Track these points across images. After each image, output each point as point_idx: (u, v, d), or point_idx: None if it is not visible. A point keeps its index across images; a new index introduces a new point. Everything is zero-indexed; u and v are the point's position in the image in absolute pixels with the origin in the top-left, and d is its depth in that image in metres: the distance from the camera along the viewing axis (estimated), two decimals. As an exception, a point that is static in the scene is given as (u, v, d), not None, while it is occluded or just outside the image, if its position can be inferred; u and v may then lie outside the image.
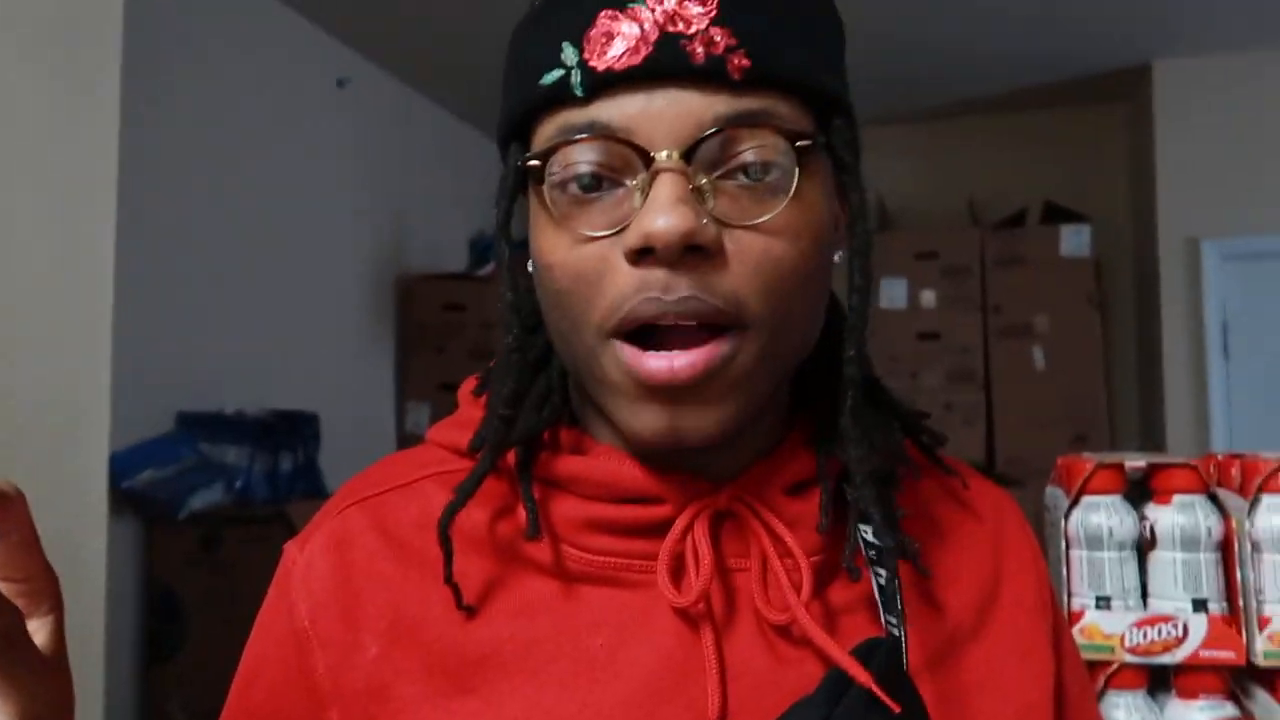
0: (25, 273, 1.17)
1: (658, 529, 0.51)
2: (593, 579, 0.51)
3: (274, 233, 2.93)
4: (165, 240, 2.43)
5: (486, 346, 3.49)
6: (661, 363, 0.45)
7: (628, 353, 0.46)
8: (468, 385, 0.58)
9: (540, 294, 0.50)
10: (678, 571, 0.50)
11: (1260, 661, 0.90)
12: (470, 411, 0.56)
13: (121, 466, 2.21)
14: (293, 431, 2.74)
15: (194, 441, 2.45)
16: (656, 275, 0.45)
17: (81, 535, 1.20)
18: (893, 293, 3.74)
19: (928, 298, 3.72)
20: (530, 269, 0.51)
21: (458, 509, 0.50)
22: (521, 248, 0.52)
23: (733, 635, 0.50)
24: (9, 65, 1.17)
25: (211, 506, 2.41)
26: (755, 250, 0.46)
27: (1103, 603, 0.95)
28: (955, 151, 4.19)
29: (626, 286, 0.45)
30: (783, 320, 0.47)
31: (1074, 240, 3.63)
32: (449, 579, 0.49)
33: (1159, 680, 0.96)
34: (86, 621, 1.18)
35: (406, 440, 3.48)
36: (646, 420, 0.47)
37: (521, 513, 0.51)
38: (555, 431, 0.53)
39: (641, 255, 0.45)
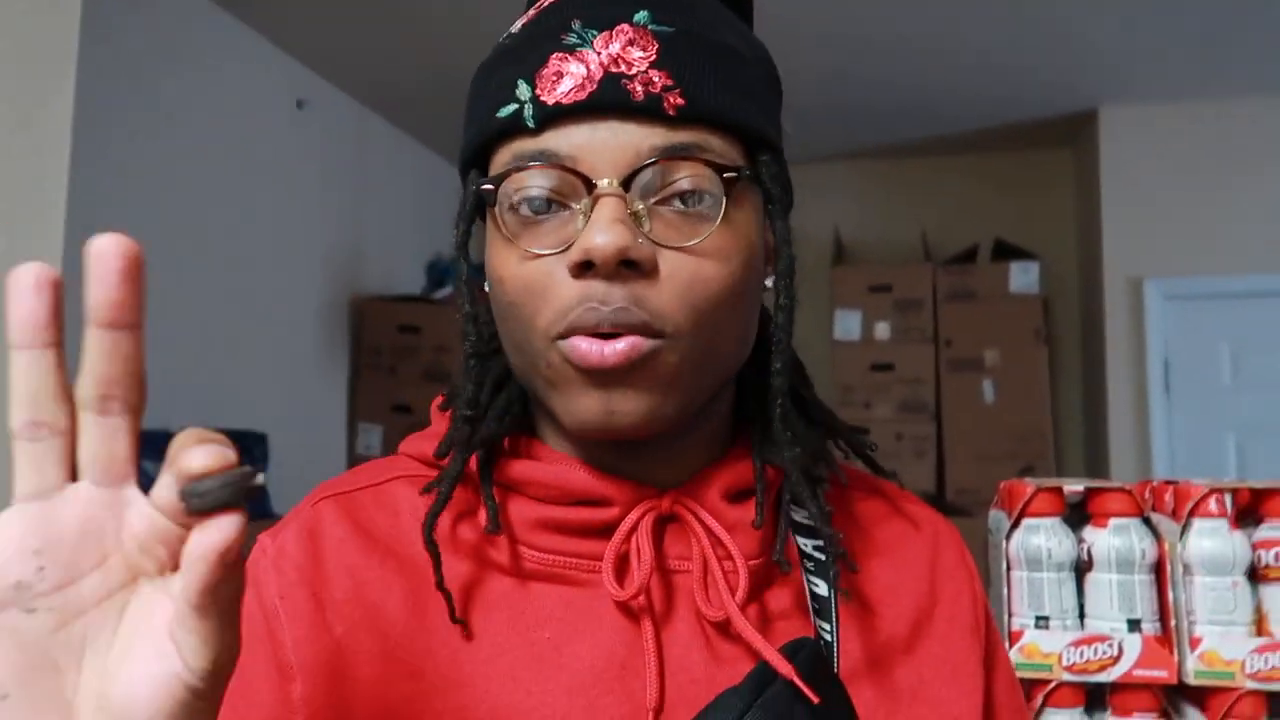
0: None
1: (604, 530, 0.54)
2: (544, 577, 0.54)
3: (227, 252, 2.90)
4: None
5: (440, 368, 3.48)
6: (594, 346, 0.49)
7: (567, 345, 0.50)
8: (436, 401, 0.61)
9: (494, 307, 0.54)
10: (622, 571, 0.53)
11: (1191, 680, 0.93)
12: (438, 425, 0.59)
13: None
14: (241, 451, 2.68)
15: (140, 459, 2.40)
16: (596, 287, 0.49)
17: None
18: (847, 324, 3.79)
19: (881, 329, 3.78)
20: (487, 288, 0.55)
21: (438, 512, 0.53)
22: (479, 270, 0.56)
23: (672, 632, 0.53)
24: (-41, 69, 1.16)
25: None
26: (686, 270, 0.50)
27: (1041, 622, 0.97)
28: (910, 189, 4.28)
29: (570, 298, 0.49)
30: (709, 334, 0.51)
31: (1023, 277, 3.71)
32: (440, 584, 0.52)
33: (1095, 698, 0.98)
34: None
35: (357, 461, 3.44)
36: (583, 405, 0.50)
37: (481, 515, 0.55)
38: (515, 440, 0.57)
39: (583, 269, 0.49)
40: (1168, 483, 1.03)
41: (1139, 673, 0.93)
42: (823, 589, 0.55)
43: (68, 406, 0.33)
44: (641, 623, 0.53)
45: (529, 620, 0.53)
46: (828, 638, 0.54)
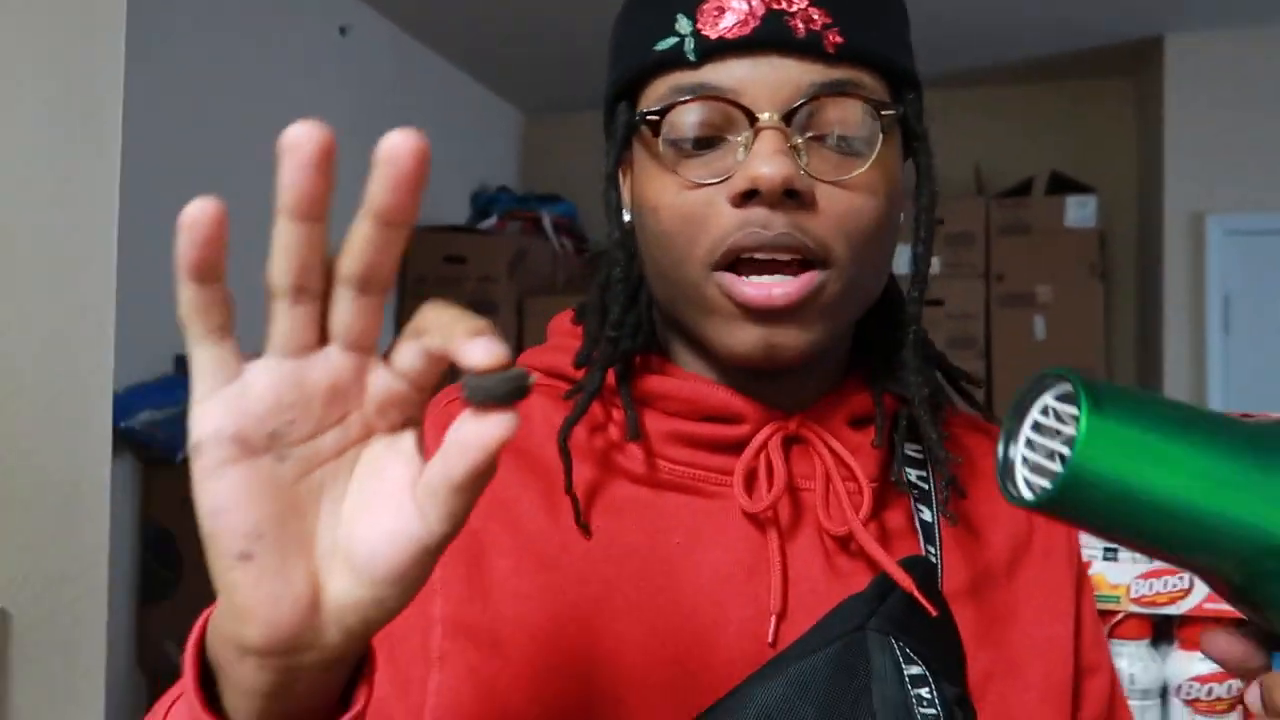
0: (27, 211, 1.15)
1: (734, 446, 0.57)
2: (674, 487, 0.57)
3: (268, 181, 2.89)
4: (168, 182, 2.41)
5: (485, 298, 3.48)
6: (760, 290, 0.51)
7: (729, 279, 0.52)
8: (563, 317, 0.64)
9: (643, 235, 0.57)
10: (749, 485, 0.56)
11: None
12: (563, 341, 0.62)
13: (120, 407, 2.19)
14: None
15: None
16: (757, 213, 0.51)
17: (83, 474, 1.20)
18: (897, 259, 3.73)
19: (933, 264, 3.70)
20: (626, 218, 0.58)
21: (576, 419, 0.56)
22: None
23: (795, 544, 0.56)
24: (14, -13, 1.15)
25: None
26: (842, 203, 0.52)
27: (1110, 554, 0.96)
28: (963, 120, 4.15)
29: (729, 224, 0.51)
30: (862, 263, 0.53)
31: (1079, 211, 3.62)
32: (569, 488, 0.55)
33: (1162, 631, 0.96)
34: (89, 559, 1.18)
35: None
36: (745, 339, 0.53)
37: (612, 429, 0.58)
38: (645, 358, 0.60)
39: (746, 198, 0.51)
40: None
41: (1210, 606, 0.91)
42: (928, 516, 0.59)
43: (326, 276, 0.35)
44: (767, 533, 0.56)
45: (660, 526, 0.56)
46: (933, 560, 0.57)
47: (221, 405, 0.34)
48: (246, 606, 0.34)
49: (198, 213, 0.32)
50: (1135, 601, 0.94)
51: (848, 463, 0.56)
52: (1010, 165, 3.99)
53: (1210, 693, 0.90)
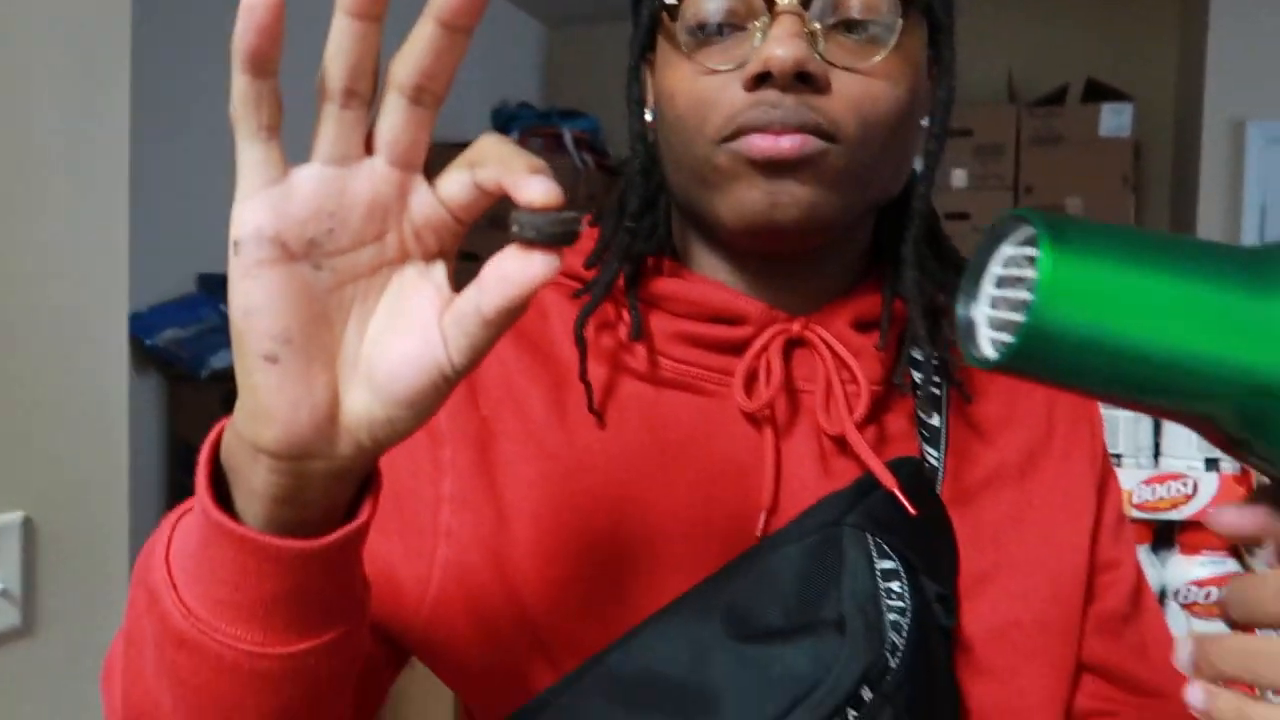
0: (42, 127, 1.15)
1: (737, 348, 0.57)
2: (676, 385, 0.58)
3: (294, 92, 2.87)
4: (185, 99, 2.40)
5: (505, 213, 3.45)
6: (767, 141, 0.51)
7: (737, 143, 0.52)
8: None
9: (661, 126, 0.57)
10: (750, 386, 0.57)
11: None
12: (579, 242, 0.61)
13: (144, 326, 2.23)
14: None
15: (215, 303, 2.47)
16: (769, 94, 0.51)
17: (103, 389, 1.22)
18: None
19: (958, 177, 3.63)
20: (649, 116, 0.59)
21: (591, 310, 0.57)
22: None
23: (791, 444, 0.57)
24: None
25: (232, 366, 2.43)
26: (858, 88, 0.52)
27: (1114, 460, 0.95)
28: (996, 25, 4.01)
29: (741, 104, 0.51)
30: (874, 146, 0.53)
31: (1114, 120, 3.51)
32: (583, 375, 0.56)
33: (1163, 536, 0.96)
34: (112, 471, 1.21)
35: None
36: (748, 196, 0.52)
37: (621, 329, 0.58)
38: (658, 260, 0.60)
39: (759, 81, 0.51)
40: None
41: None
42: (935, 420, 0.59)
43: (376, 83, 0.35)
44: (763, 432, 0.56)
45: (659, 422, 0.57)
46: (934, 463, 0.58)
47: (265, 205, 0.34)
48: (267, 408, 0.35)
49: (257, 1, 0.32)
50: (1138, 507, 0.94)
51: (849, 365, 0.56)
52: (1045, 72, 3.87)
53: (1209, 596, 0.90)
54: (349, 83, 0.34)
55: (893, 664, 0.49)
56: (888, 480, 0.53)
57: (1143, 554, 0.95)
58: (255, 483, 0.37)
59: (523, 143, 3.89)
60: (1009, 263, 0.35)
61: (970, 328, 0.35)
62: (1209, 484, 0.91)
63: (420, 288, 0.37)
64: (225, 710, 0.40)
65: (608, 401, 0.57)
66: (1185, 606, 0.92)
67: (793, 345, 0.58)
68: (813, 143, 0.50)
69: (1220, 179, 3.42)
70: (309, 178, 0.35)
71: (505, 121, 3.94)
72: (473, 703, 0.57)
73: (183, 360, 2.35)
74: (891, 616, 0.50)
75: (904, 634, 0.50)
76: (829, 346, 0.57)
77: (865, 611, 0.50)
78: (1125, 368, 0.32)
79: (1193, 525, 0.93)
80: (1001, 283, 0.35)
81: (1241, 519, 0.37)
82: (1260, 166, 3.37)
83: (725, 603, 0.51)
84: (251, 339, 0.35)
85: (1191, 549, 0.93)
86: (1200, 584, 0.91)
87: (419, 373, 0.36)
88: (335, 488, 0.38)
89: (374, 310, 0.37)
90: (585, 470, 0.55)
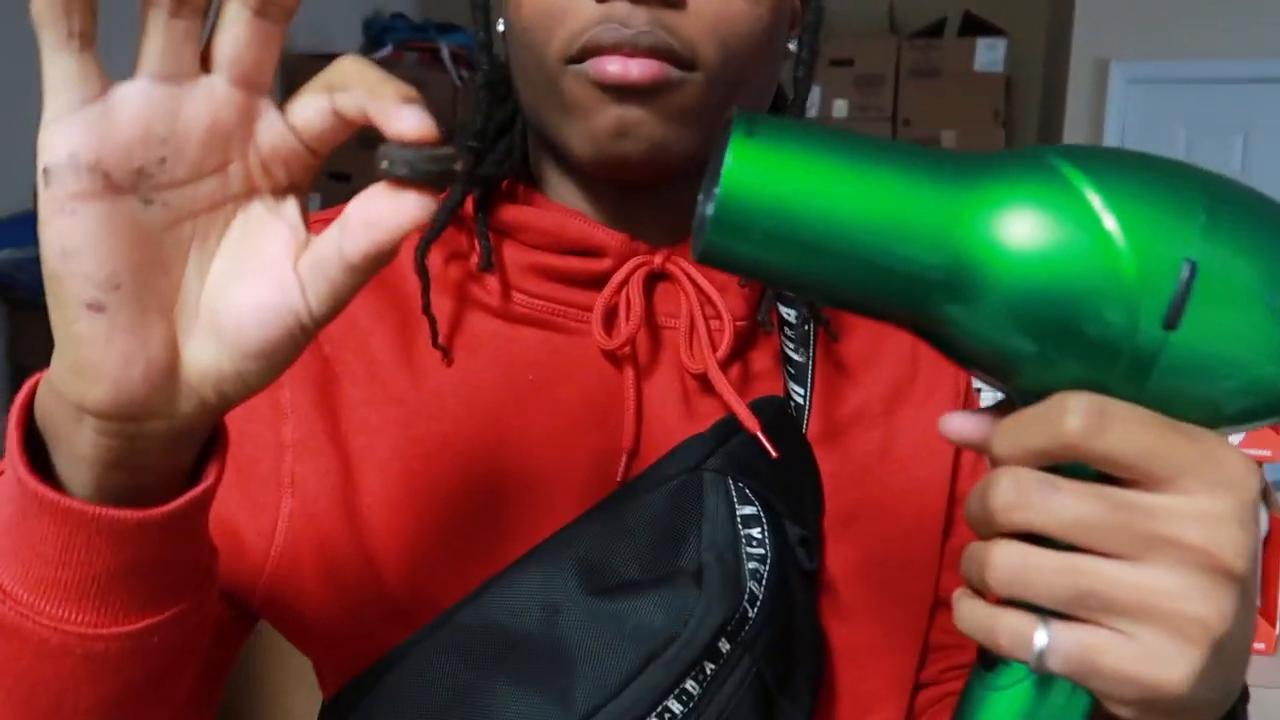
0: None
1: (595, 281, 0.54)
2: (531, 321, 0.54)
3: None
4: (16, 3, 2.18)
5: (377, 134, 3.31)
6: (616, 64, 0.47)
7: (585, 63, 0.48)
8: None
9: (509, 36, 0.53)
10: (610, 323, 0.54)
11: None
12: None
13: (-24, 245, 2.05)
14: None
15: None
16: (618, 8, 0.47)
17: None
18: (804, 100, 3.66)
19: (839, 107, 3.66)
20: (501, 27, 0.54)
21: (432, 239, 0.53)
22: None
23: (653, 383, 0.54)
24: None
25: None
26: (715, 5, 0.48)
27: (976, 392, 0.97)
28: (879, -46, 4.03)
29: (588, 18, 0.47)
30: (735, 72, 0.49)
31: (988, 55, 3.59)
32: (427, 309, 0.52)
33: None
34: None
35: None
36: (597, 124, 0.48)
37: (472, 258, 0.55)
38: (512, 185, 0.57)
39: None
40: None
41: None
42: (800, 356, 0.57)
43: None
44: (624, 371, 0.53)
45: (514, 362, 0.53)
46: (800, 401, 0.56)
47: (80, 126, 0.29)
48: (93, 363, 0.31)
49: None
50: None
51: (713, 300, 0.54)
52: (925, 3, 3.91)
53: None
54: None
55: (751, 614, 0.48)
56: (750, 422, 0.51)
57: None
58: (80, 447, 0.33)
59: (396, 57, 3.73)
60: None
61: (702, 223, 0.34)
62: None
63: (270, 226, 0.33)
64: (54, 698, 0.36)
65: (456, 338, 0.54)
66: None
67: (654, 279, 0.55)
68: (667, 70, 0.47)
69: (1084, 117, 3.56)
70: (134, 96, 0.30)
71: (378, 34, 3.75)
72: (323, 664, 0.54)
73: (22, 285, 2.18)
74: (751, 565, 0.49)
75: (763, 582, 0.49)
76: (692, 280, 0.54)
77: (724, 561, 0.49)
78: (811, 260, 0.32)
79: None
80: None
81: (967, 426, 0.36)
82: (1121, 105, 3.51)
83: (580, 554, 0.49)
84: (72, 285, 0.30)
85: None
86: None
87: (272, 322, 0.32)
88: (175, 449, 0.34)
89: (216, 251, 0.33)
90: (434, 415, 0.52)
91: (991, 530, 0.33)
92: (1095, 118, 3.54)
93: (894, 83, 3.66)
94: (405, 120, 0.30)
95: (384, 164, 0.31)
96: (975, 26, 3.70)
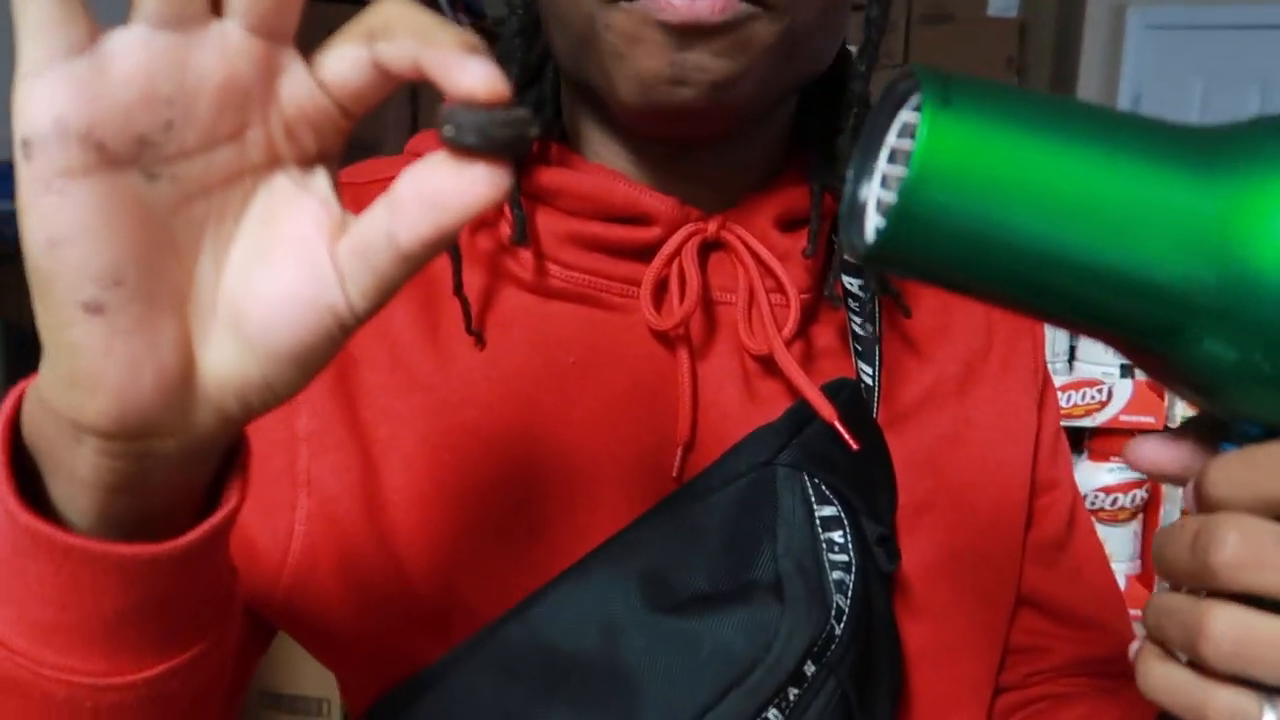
0: None
1: (643, 253, 0.48)
2: (570, 297, 0.49)
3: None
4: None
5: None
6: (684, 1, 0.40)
7: (643, 1, 0.41)
8: None
9: None
10: (659, 298, 0.48)
11: (1176, 425, 0.90)
12: None
13: (-40, 197, 1.98)
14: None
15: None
16: None
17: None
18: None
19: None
20: None
21: None
22: None
23: (708, 365, 0.49)
24: None
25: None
26: None
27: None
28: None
29: None
30: (809, 12, 0.43)
31: (1002, 0, 3.50)
32: (459, 289, 0.47)
33: (1072, 442, 0.96)
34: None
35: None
36: (649, 65, 0.41)
37: (502, 226, 0.49)
38: (544, 145, 0.51)
39: None
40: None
41: (1125, 418, 0.90)
42: (865, 331, 0.52)
43: None
44: (677, 352, 0.48)
45: (551, 341, 0.48)
46: (869, 380, 0.51)
47: (67, 84, 0.24)
48: (92, 373, 0.26)
49: None
50: (1050, 414, 0.92)
51: (775, 272, 0.49)
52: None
53: (1115, 502, 0.90)
54: None
55: (838, 631, 0.44)
56: (825, 410, 0.46)
57: (1054, 461, 0.94)
58: (79, 469, 0.28)
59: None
60: (904, 132, 0.28)
61: (858, 210, 0.29)
62: (1123, 390, 0.90)
63: (298, 203, 0.28)
64: None
65: (487, 317, 0.48)
66: (1093, 513, 0.92)
67: (709, 249, 0.50)
68: (736, 6, 0.41)
69: (1099, 64, 3.49)
70: (131, 46, 0.25)
71: (371, -26, 3.62)
72: (348, 677, 0.50)
73: (5, 236, 2.11)
74: (835, 575, 0.45)
75: (849, 594, 0.45)
76: (750, 250, 0.49)
77: (805, 570, 0.44)
78: (1021, 267, 0.26)
79: (1103, 432, 0.93)
80: (896, 157, 0.28)
81: (1161, 454, 0.31)
82: (1137, 52, 3.44)
83: (641, 564, 0.44)
84: (64, 282, 0.25)
85: (1101, 455, 0.93)
86: (1108, 490, 0.91)
87: (306, 318, 0.27)
88: (190, 468, 0.29)
89: (235, 235, 0.28)
90: (464, 402, 0.47)
91: (1201, 585, 0.28)
92: (1111, 65, 3.48)
93: (904, 28, 3.57)
94: (472, 75, 0.25)
95: (448, 130, 0.26)
96: (988, -31, 3.61)
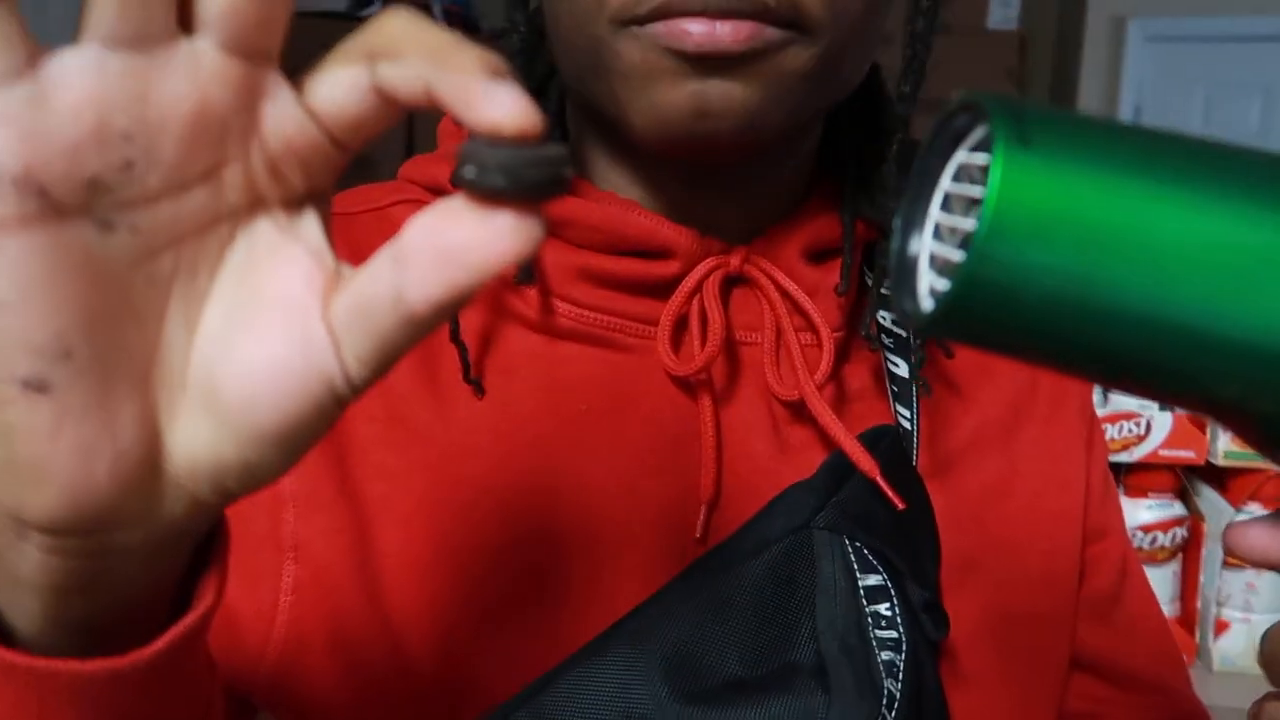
0: None
1: (661, 289, 0.44)
2: (581, 338, 0.45)
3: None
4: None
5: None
6: (701, 26, 0.36)
7: (654, 27, 0.37)
8: (448, 118, 0.49)
9: None
10: (678, 338, 0.45)
11: (1219, 461, 0.86)
12: (448, 147, 0.49)
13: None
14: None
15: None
16: None
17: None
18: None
19: (847, 66, 3.58)
20: None
21: None
22: None
23: (733, 413, 0.45)
24: None
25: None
26: None
27: (1062, 397, 0.89)
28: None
29: None
30: (845, 36, 0.40)
31: (1002, 11, 3.50)
32: (455, 335, 0.43)
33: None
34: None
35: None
36: (668, 97, 0.38)
37: None
38: None
39: None
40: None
41: (1165, 453, 0.86)
42: (904, 370, 0.48)
43: None
44: (699, 400, 0.44)
45: (561, 387, 0.44)
46: (907, 425, 0.47)
47: (2, 120, 0.20)
48: (36, 463, 0.21)
49: None
50: (1084, 447, 0.88)
51: (804, 308, 0.45)
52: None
53: (1154, 541, 0.86)
54: None
55: (889, 719, 0.39)
56: (866, 464, 0.42)
57: (1090, 498, 0.90)
58: (22, 569, 0.23)
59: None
60: (962, 174, 0.23)
61: (908, 267, 0.24)
62: (1163, 423, 0.86)
63: (285, 253, 0.24)
64: None
65: (490, 362, 0.45)
66: (1131, 553, 0.88)
67: (731, 284, 0.46)
68: (763, 31, 0.37)
69: (1099, 75, 3.50)
70: (80, 70, 0.21)
71: (364, -13, 3.59)
72: None
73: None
74: (884, 655, 0.40)
75: (899, 677, 0.40)
76: (778, 285, 0.45)
77: (850, 650, 0.40)
78: (1120, 336, 0.22)
79: (1140, 467, 0.89)
80: (950, 204, 0.24)
81: (1271, 540, 0.27)
82: (1138, 64, 3.44)
83: (665, 644, 0.39)
84: (0, 354, 0.21)
85: (1138, 491, 0.89)
86: (1146, 529, 0.87)
87: (294, 392, 0.23)
88: (158, 562, 0.25)
89: (209, 293, 0.24)
90: (466, 455, 0.43)
91: None
92: (1111, 76, 3.48)
93: (905, 41, 3.58)
94: (498, 106, 0.21)
95: (469, 171, 0.21)
96: (987, -19, 3.61)
